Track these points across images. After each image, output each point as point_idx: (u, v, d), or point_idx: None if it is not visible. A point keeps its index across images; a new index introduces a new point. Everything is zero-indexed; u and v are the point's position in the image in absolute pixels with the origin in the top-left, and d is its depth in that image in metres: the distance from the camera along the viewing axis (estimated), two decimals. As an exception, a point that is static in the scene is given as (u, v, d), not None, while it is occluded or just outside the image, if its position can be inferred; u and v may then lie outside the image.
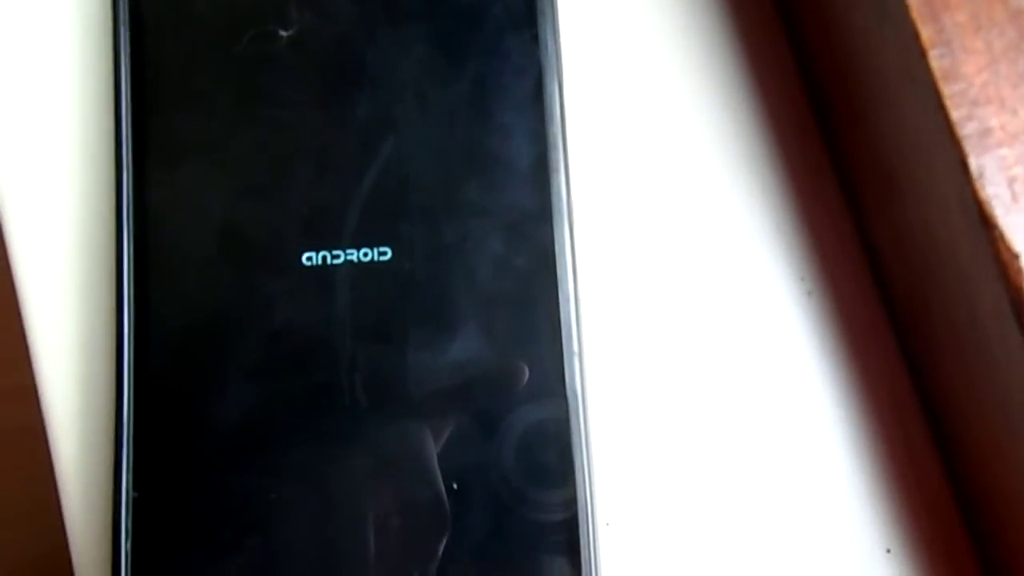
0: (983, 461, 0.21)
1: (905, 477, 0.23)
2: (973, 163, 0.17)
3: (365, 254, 0.22)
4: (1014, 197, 0.17)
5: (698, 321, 0.23)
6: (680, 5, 0.24)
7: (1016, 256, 0.17)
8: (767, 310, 0.24)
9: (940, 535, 0.23)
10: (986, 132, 0.18)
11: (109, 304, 0.22)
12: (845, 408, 0.23)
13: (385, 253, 0.22)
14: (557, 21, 0.23)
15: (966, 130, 0.18)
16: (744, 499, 0.23)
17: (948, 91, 0.18)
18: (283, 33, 0.22)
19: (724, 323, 0.23)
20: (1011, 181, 0.17)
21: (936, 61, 0.18)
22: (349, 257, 0.22)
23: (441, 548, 0.21)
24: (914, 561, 0.23)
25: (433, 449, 0.21)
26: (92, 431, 0.22)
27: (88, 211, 0.23)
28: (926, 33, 0.18)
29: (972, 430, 0.21)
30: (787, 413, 0.23)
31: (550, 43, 0.23)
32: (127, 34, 0.22)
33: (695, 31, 0.24)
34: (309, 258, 0.22)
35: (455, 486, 0.21)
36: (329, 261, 0.22)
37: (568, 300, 0.22)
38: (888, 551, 0.23)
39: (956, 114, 0.18)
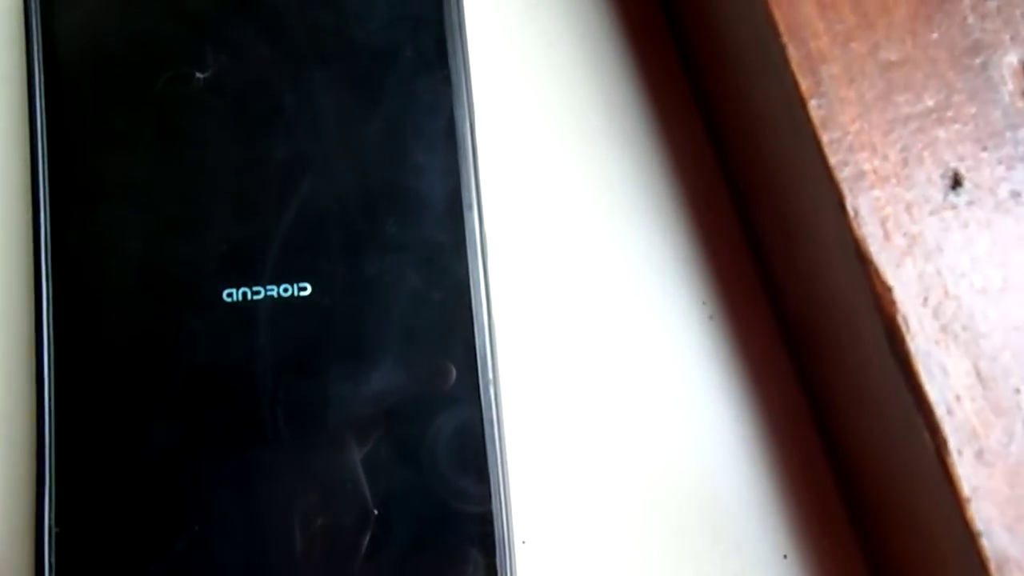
0: (868, 471, 0.23)
1: (800, 488, 0.25)
2: (849, 204, 0.19)
3: (285, 290, 0.22)
4: (886, 235, 0.19)
5: (607, 344, 0.25)
6: (587, 48, 0.26)
7: (889, 289, 0.19)
8: (671, 332, 0.25)
9: (833, 541, 0.24)
10: (860, 175, 0.19)
11: (28, 340, 0.22)
12: (744, 424, 0.25)
13: (305, 288, 0.23)
14: (468, 62, 0.24)
15: (843, 174, 0.19)
16: (652, 513, 0.24)
17: (826, 138, 0.19)
18: (199, 75, 0.23)
19: (630, 345, 0.25)
20: (883, 220, 0.19)
21: (815, 111, 0.19)
22: (270, 293, 0.22)
23: (364, 566, 0.22)
24: (809, 565, 0.24)
25: (356, 474, 0.22)
26: (13, 466, 0.22)
27: (4, 250, 0.23)
28: (805, 84, 0.19)
29: (858, 443, 0.23)
30: (690, 429, 0.25)
31: (461, 83, 0.24)
32: (42, 75, 0.23)
33: (602, 71, 0.26)
34: (230, 294, 0.22)
35: (376, 512, 0.22)
36: (250, 297, 0.22)
37: (483, 329, 0.23)
38: (785, 557, 0.24)
39: (834, 159, 0.19)
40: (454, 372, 0.23)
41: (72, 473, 0.21)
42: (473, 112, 0.24)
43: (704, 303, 0.25)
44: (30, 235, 0.22)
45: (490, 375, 0.23)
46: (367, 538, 0.22)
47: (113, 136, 0.23)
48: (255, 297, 0.22)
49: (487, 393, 0.23)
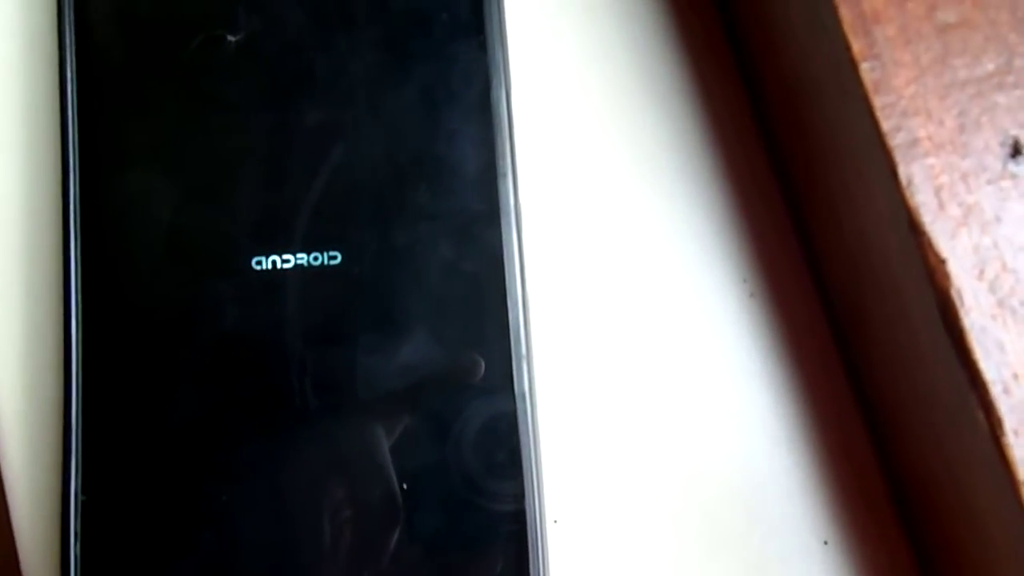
0: (915, 454, 0.22)
1: (842, 471, 0.24)
2: (902, 172, 0.18)
3: (315, 258, 0.22)
4: (940, 205, 0.18)
5: (643, 320, 0.24)
6: (625, 14, 0.25)
7: (942, 261, 0.18)
8: (711, 310, 0.24)
9: (875, 526, 0.24)
10: (914, 142, 0.18)
11: (57, 308, 0.22)
12: (785, 405, 0.24)
13: (335, 257, 0.22)
14: (504, 27, 0.23)
15: (896, 140, 0.18)
16: (687, 495, 0.23)
17: (879, 103, 0.18)
18: (231, 38, 0.23)
19: (668, 322, 0.24)
20: (938, 189, 0.18)
21: (867, 74, 0.18)
22: (299, 261, 0.22)
23: (392, 543, 0.21)
24: (851, 552, 0.23)
25: (384, 448, 0.21)
26: (40, 435, 0.22)
27: (35, 216, 0.23)
28: (857, 46, 0.19)
29: (905, 424, 0.22)
30: (728, 410, 0.24)
31: (497, 49, 0.23)
32: (73, 38, 0.22)
33: (640, 39, 0.25)
34: (259, 262, 0.22)
35: (405, 486, 0.21)
36: (279, 265, 0.22)
37: (516, 303, 0.22)
38: (825, 543, 0.23)
39: (886, 125, 0.18)
40: (486, 346, 0.22)
41: (99, 441, 0.21)
42: (509, 79, 0.23)
43: (745, 280, 0.24)
44: (59, 201, 0.22)
45: (523, 350, 0.22)
46: (395, 512, 0.21)
47: (142, 100, 0.22)
48: (284, 265, 0.22)
49: (519, 368, 0.22)
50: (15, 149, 0.23)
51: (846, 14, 0.19)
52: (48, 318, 0.22)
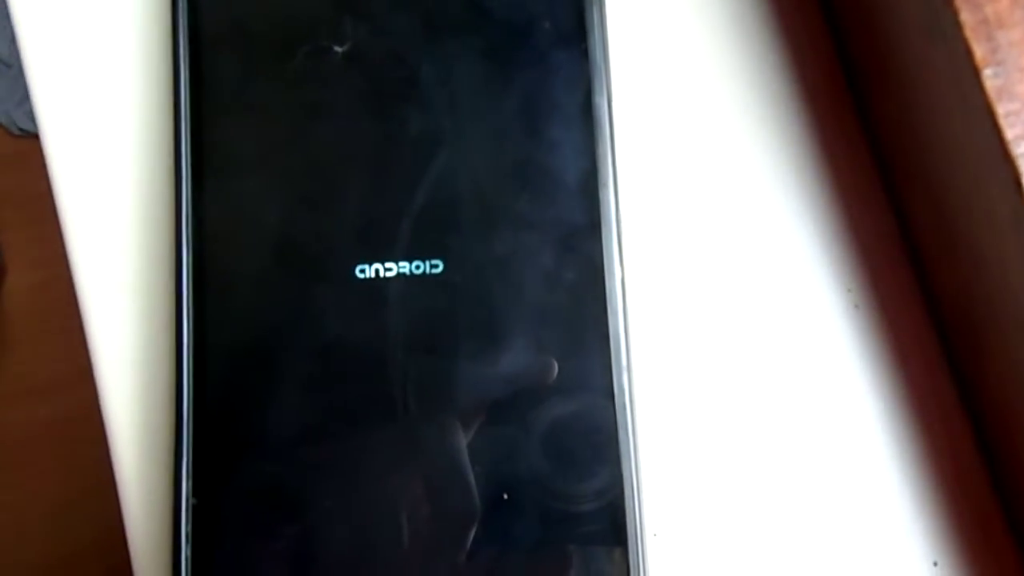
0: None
1: (952, 489, 0.23)
2: (1028, 182, 0.17)
3: (417, 267, 0.22)
4: (1069, 216, 0.17)
5: (746, 332, 0.24)
6: (729, 20, 0.24)
7: (1071, 274, 0.17)
8: (814, 321, 0.24)
9: (987, 548, 0.23)
10: (1041, 151, 0.18)
11: (168, 314, 0.22)
12: (892, 420, 0.23)
13: (437, 266, 0.22)
14: (606, 36, 0.23)
15: (1020, 149, 0.18)
16: (791, 511, 0.23)
17: (1003, 110, 0.18)
18: (337, 48, 0.23)
19: (772, 333, 0.24)
20: (1065, 200, 0.17)
21: (990, 80, 0.18)
22: (402, 270, 0.22)
23: (490, 550, 0.21)
24: (961, 574, 0.23)
25: (485, 459, 0.21)
26: (152, 439, 0.22)
27: (148, 223, 0.23)
28: (980, 52, 0.18)
29: (1019, 442, 0.21)
30: (834, 424, 0.23)
31: (599, 58, 0.23)
32: (186, 49, 0.23)
33: (744, 46, 0.24)
34: (362, 270, 0.22)
35: (505, 496, 0.21)
36: (382, 274, 0.22)
37: (617, 313, 0.22)
38: (935, 564, 0.23)
39: (1010, 133, 0.18)
40: (586, 355, 0.22)
41: (209, 446, 0.22)
42: (611, 88, 0.23)
43: (849, 290, 0.24)
44: (172, 207, 0.22)
45: (623, 360, 0.22)
46: (496, 522, 0.21)
47: (252, 109, 0.23)
48: (387, 273, 0.22)
49: (620, 378, 0.22)
50: (130, 156, 0.24)
51: (967, 18, 0.18)
52: (160, 323, 0.23)
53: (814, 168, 0.24)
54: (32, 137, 1.01)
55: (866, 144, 0.24)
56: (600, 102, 0.23)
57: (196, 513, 0.21)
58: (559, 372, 0.22)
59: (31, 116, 1.01)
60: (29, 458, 0.90)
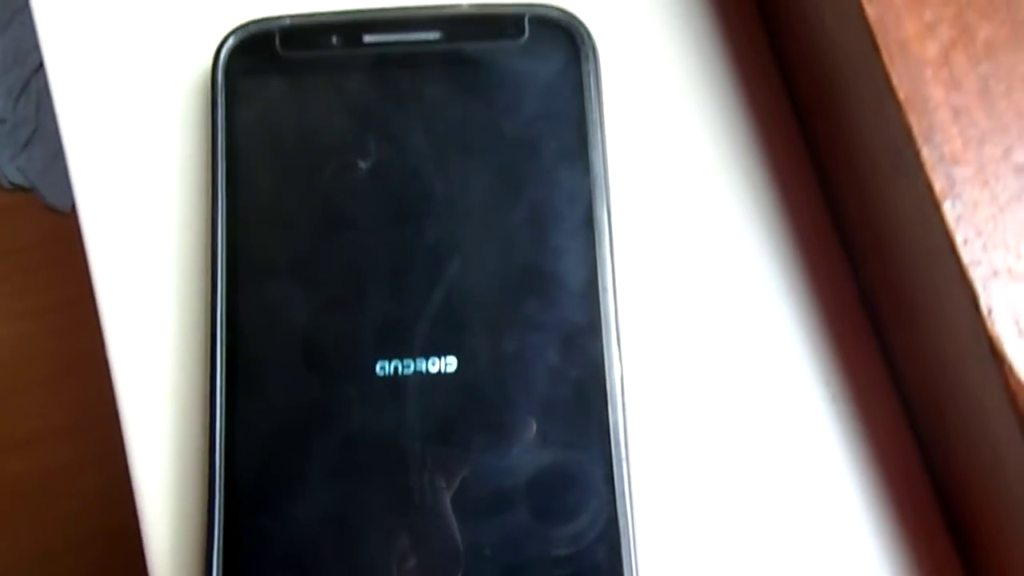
0: (998, 564, 0.23)
1: (917, 544, 0.25)
2: (983, 302, 0.20)
3: (433, 364, 0.24)
4: (1020, 333, 0.20)
5: (734, 421, 0.26)
6: (723, 149, 0.27)
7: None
8: (796, 411, 0.26)
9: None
10: (994, 274, 0.20)
11: (202, 408, 0.24)
12: (866, 504, 0.25)
13: (451, 363, 0.24)
14: (606, 151, 0.25)
15: (976, 272, 0.20)
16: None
17: (960, 238, 0.20)
18: (362, 164, 0.25)
19: (758, 424, 0.26)
20: (1018, 319, 0.20)
21: (948, 211, 0.20)
22: (419, 367, 0.24)
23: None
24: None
25: (494, 545, 0.23)
26: (184, 528, 0.24)
27: (184, 321, 0.25)
28: (939, 186, 0.20)
29: (990, 536, 0.23)
30: (812, 506, 0.25)
31: (600, 173, 0.25)
32: (224, 164, 0.25)
33: (736, 169, 0.27)
34: (382, 367, 0.24)
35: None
36: (400, 371, 0.24)
37: (616, 408, 0.24)
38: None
39: (967, 258, 0.20)
40: (588, 447, 0.24)
41: (239, 527, 0.23)
42: (610, 200, 0.25)
43: (828, 383, 0.26)
44: (207, 306, 0.24)
45: (623, 452, 0.24)
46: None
47: (283, 219, 0.25)
48: (405, 371, 0.24)
49: (619, 469, 0.24)
50: (168, 258, 0.26)
51: (927, 156, 0.21)
52: (193, 416, 0.25)
53: (796, 273, 0.26)
54: (21, 191, 1.03)
55: (846, 257, 0.26)
56: (600, 213, 0.25)
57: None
58: (562, 462, 0.24)
59: (22, 171, 1.03)
60: (4, 511, 0.91)
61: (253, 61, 0.25)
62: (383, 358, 0.24)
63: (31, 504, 0.91)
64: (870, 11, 0.21)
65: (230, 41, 0.25)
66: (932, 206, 0.20)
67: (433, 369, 0.24)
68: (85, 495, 0.90)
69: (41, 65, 0.27)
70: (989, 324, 0.20)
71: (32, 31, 0.28)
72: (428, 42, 0.26)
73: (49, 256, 0.99)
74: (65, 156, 0.27)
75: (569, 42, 0.26)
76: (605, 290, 0.25)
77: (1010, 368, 0.19)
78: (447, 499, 0.23)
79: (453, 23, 0.26)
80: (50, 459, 0.93)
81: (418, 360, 0.24)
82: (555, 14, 0.26)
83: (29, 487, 0.92)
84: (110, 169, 0.26)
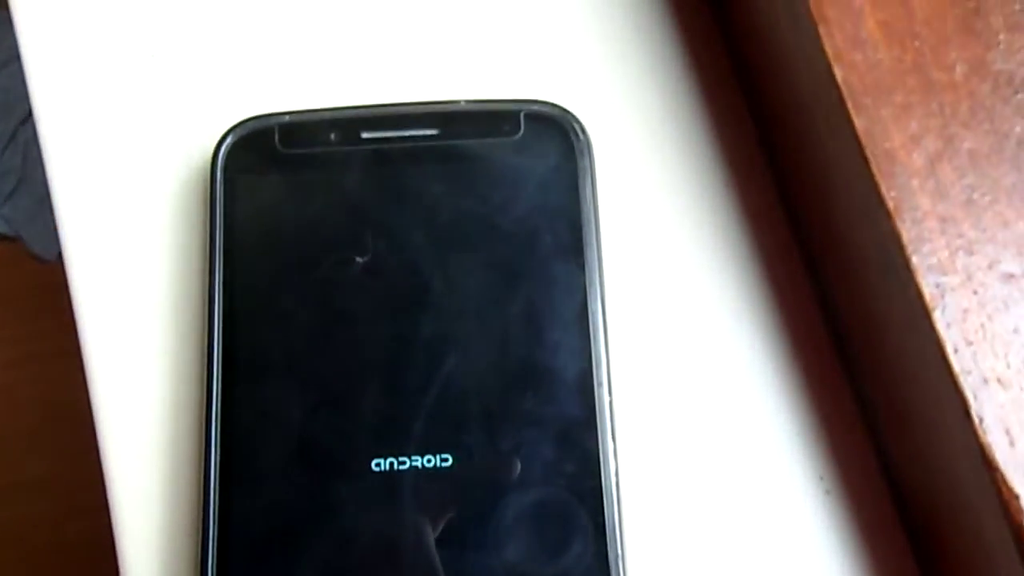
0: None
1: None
2: (975, 411, 0.20)
3: (428, 460, 0.24)
4: (1011, 442, 0.20)
5: (728, 520, 0.26)
6: (712, 246, 0.27)
7: (1016, 496, 0.20)
8: (790, 504, 0.26)
9: None
10: (984, 382, 0.20)
11: (196, 505, 0.24)
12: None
13: (447, 460, 0.24)
14: (601, 247, 0.26)
15: (967, 381, 0.20)
16: None
17: (951, 347, 0.20)
18: (359, 259, 0.25)
19: (751, 515, 0.26)
20: (1008, 428, 0.20)
21: (939, 320, 0.21)
22: (414, 463, 0.24)
23: None
24: None
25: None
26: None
27: (178, 419, 0.25)
28: (929, 294, 0.21)
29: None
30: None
31: (595, 269, 0.26)
32: (221, 259, 0.25)
33: (725, 268, 0.27)
34: (378, 464, 0.24)
35: None
36: (396, 467, 0.24)
37: (612, 503, 0.24)
38: None
39: (958, 367, 0.20)
40: (584, 544, 0.24)
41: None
42: (605, 295, 0.25)
43: (822, 478, 0.26)
44: (202, 404, 0.24)
45: (619, 549, 0.24)
46: None
47: (280, 316, 0.25)
48: (401, 467, 0.24)
49: (616, 566, 0.24)
50: (163, 359, 0.26)
51: (917, 264, 0.21)
52: (188, 515, 0.25)
53: (790, 369, 0.27)
54: (6, 240, 1.03)
55: (837, 351, 0.27)
56: (595, 308, 0.25)
57: None
58: (559, 561, 0.24)
59: (7, 220, 1.03)
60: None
61: (252, 157, 0.26)
62: (379, 456, 0.24)
63: (11, 554, 0.90)
64: (858, 123, 0.22)
65: (230, 138, 0.26)
66: (922, 313, 0.21)
67: (429, 465, 0.24)
68: (66, 548, 0.89)
69: (28, 116, 0.27)
70: (981, 433, 0.20)
71: (20, 81, 0.28)
72: (425, 138, 0.26)
73: (34, 305, 0.98)
74: (56, 218, 0.27)
75: (564, 138, 0.26)
76: (600, 384, 0.25)
77: (1002, 477, 0.20)
78: (443, 599, 0.23)
79: (450, 120, 0.26)
80: (31, 510, 0.92)
81: (414, 457, 0.24)
82: (550, 111, 0.26)
83: (10, 537, 0.91)
84: (105, 260, 0.27)
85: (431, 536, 0.24)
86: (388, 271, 0.25)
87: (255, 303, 0.25)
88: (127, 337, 0.26)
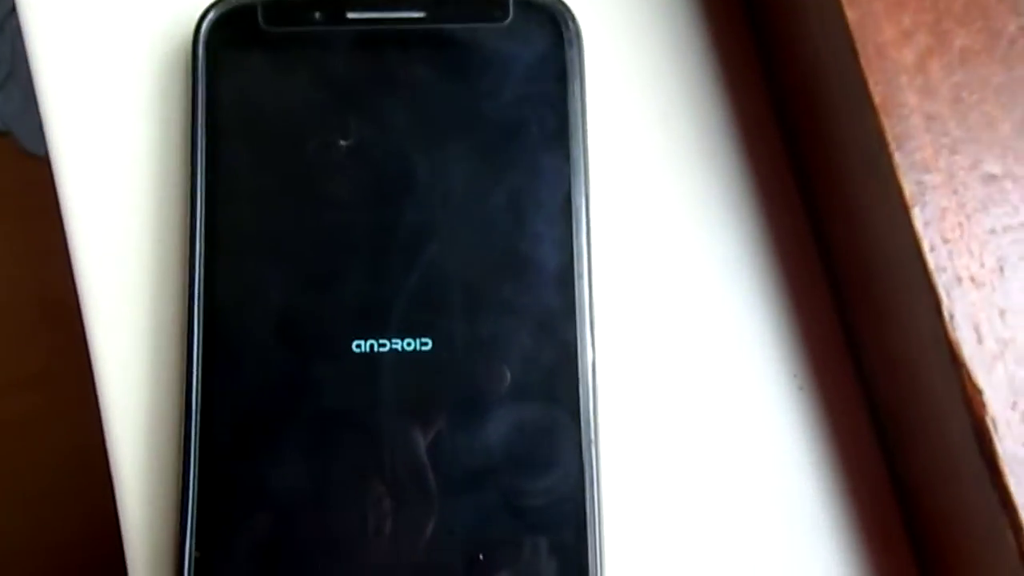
0: (949, 556, 0.24)
1: (877, 557, 0.26)
2: (946, 308, 0.20)
3: (408, 344, 0.25)
4: (979, 339, 0.20)
5: (701, 412, 0.26)
6: (695, 136, 0.27)
7: (979, 391, 0.20)
8: (764, 400, 0.26)
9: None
10: (958, 281, 0.20)
11: (179, 380, 0.25)
12: (826, 491, 0.26)
13: (427, 344, 0.25)
14: (587, 139, 0.26)
15: (941, 279, 0.20)
16: (738, 564, 0.26)
17: (927, 244, 0.21)
18: (343, 142, 0.25)
19: (725, 409, 0.26)
20: (977, 325, 0.20)
21: (917, 217, 0.21)
22: (394, 346, 0.24)
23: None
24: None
25: (464, 521, 0.24)
26: (158, 495, 0.25)
27: (163, 298, 0.25)
28: (909, 192, 0.21)
29: (940, 526, 0.24)
30: (775, 489, 0.26)
31: (579, 160, 0.25)
32: (203, 138, 0.25)
33: (708, 160, 0.27)
34: (359, 345, 0.24)
35: (481, 556, 0.24)
36: (376, 349, 0.24)
37: (587, 391, 0.25)
38: (861, 625, 0.25)
39: (933, 264, 0.20)
40: (559, 429, 0.24)
41: (212, 502, 0.24)
42: (589, 187, 0.25)
43: (795, 375, 0.27)
44: (185, 281, 0.25)
45: (592, 435, 0.24)
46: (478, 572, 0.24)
47: (263, 196, 0.25)
48: (381, 349, 0.24)
49: (589, 451, 0.24)
50: (145, 236, 0.26)
51: (899, 162, 0.21)
52: (170, 388, 0.25)
53: (769, 266, 0.27)
54: (-2, 135, 1.01)
55: (817, 248, 0.27)
56: (579, 200, 0.25)
57: (199, 566, 0.23)
58: (531, 443, 0.24)
59: (-2, 113, 1.02)
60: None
61: (234, 35, 0.25)
62: (359, 337, 0.24)
63: (7, 449, 0.91)
64: (850, 15, 0.21)
65: (211, 14, 0.25)
66: (902, 211, 0.21)
67: (408, 348, 0.24)
68: (58, 446, 0.91)
69: (14, 8, 0.27)
70: (950, 329, 0.20)
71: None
72: (411, 20, 0.26)
73: (26, 203, 0.98)
74: (39, 98, 0.27)
75: (553, 26, 0.26)
76: (580, 276, 0.25)
77: (968, 373, 0.20)
78: (417, 479, 0.24)
79: (438, 2, 0.26)
80: (25, 408, 0.93)
81: (394, 340, 0.24)
82: (540, -2, 0.26)
83: (5, 433, 0.92)
84: (87, 137, 0.26)
85: (407, 413, 0.24)
86: (371, 155, 0.25)
87: (237, 182, 0.25)
88: (112, 217, 0.26)
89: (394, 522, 0.24)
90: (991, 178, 0.21)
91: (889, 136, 0.21)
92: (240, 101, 0.25)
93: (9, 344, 0.94)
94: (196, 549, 0.23)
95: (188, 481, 0.24)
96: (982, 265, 0.21)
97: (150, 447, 0.25)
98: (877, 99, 0.21)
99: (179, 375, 0.25)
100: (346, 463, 0.24)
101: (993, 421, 0.20)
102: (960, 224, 0.21)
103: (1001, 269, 0.21)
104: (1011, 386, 0.20)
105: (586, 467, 0.24)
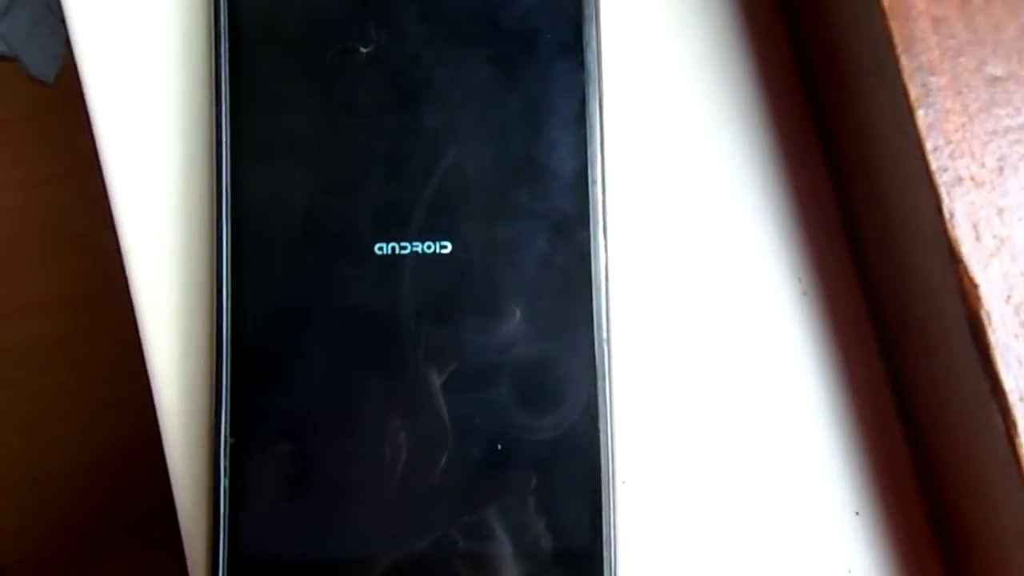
0: (943, 445, 0.25)
1: (875, 452, 0.27)
2: (946, 207, 0.21)
3: (428, 246, 0.26)
4: (977, 236, 0.21)
5: (708, 311, 0.27)
6: (708, 45, 0.28)
7: (975, 286, 0.21)
8: (769, 304, 0.27)
9: (903, 502, 0.27)
10: (958, 180, 0.21)
11: (210, 280, 0.26)
12: (828, 392, 0.27)
13: (446, 246, 0.26)
14: (601, 47, 0.26)
15: (942, 178, 0.21)
16: (741, 465, 0.27)
17: (930, 145, 0.21)
18: (363, 50, 0.26)
19: (731, 311, 0.27)
20: (976, 223, 0.21)
21: (921, 119, 0.21)
22: (415, 248, 0.25)
23: (479, 495, 0.25)
24: (878, 522, 0.27)
25: (480, 414, 0.25)
26: (194, 388, 0.26)
27: (190, 200, 0.26)
28: (914, 93, 0.21)
29: (936, 418, 0.25)
30: (779, 393, 0.27)
31: (594, 68, 0.26)
32: (226, 46, 0.26)
33: (720, 68, 0.28)
34: (380, 248, 0.25)
35: (500, 446, 0.25)
36: (397, 251, 0.25)
37: (600, 293, 0.26)
38: (857, 514, 0.27)
39: (935, 164, 0.21)
40: (572, 328, 0.26)
41: (245, 391, 0.25)
42: (603, 95, 0.26)
43: (800, 279, 0.28)
44: (212, 186, 0.26)
45: (604, 334, 0.25)
46: (487, 470, 0.25)
47: (286, 102, 0.26)
48: (402, 251, 0.25)
49: (600, 349, 0.25)
50: (173, 142, 0.27)
51: (905, 64, 0.22)
52: (202, 289, 0.26)
53: (775, 171, 0.28)
54: (3, 60, 1.01)
55: (823, 155, 0.28)
56: (593, 108, 0.26)
57: (233, 451, 0.25)
58: (546, 344, 0.25)
59: (4, 38, 1.01)
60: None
61: (257, -59, 0.26)
62: (381, 240, 0.25)
63: (23, 374, 0.93)
64: (862, -81, 0.22)
65: (234, -80, 0.26)
66: (906, 112, 0.22)
67: (428, 251, 0.25)
68: (78, 367, 0.93)
69: None
70: (949, 227, 0.21)
71: None
72: (431, -73, 0.26)
73: (34, 130, 0.98)
74: (58, 26, 0.27)
75: (569, -67, 0.26)
76: (595, 182, 0.26)
77: (965, 269, 0.21)
78: (436, 374, 0.25)
79: (455, -91, 0.26)
80: (43, 332, 0.94)
81: (414, 243, 0.25)
82: (557, -98, 0.26)
83: (22, 357, 0.93)
84: (112, 45, 0.27)
85: (427, 316, 0.25)
86: (392, 62, 0.26)
87: (261, 87, 0.26)
88: (139, 122, 0.27)
89: (411, 405, 0.25)
90: (995, 80, 0.22)
91: (897, 38, 0.22)
92: (260, 9, 0.26)
93: (25, 270, 0.95)
94: (230, 435, 0.25)
95: (221, 373, 0.25)
96: (983, 165, 0.21)
97: (184, 342, 0.26)
98: (886, 2, 0.22)
99: (210, 276, 0.26)
100: (368, 358, 0.25)
101: (987, 314, 0.21)
102: (963, 125, 0.21)
103: (1001, 169, 0.21)
104: (1006, 281, 0.21)
105: (597, 362, 0.25)
